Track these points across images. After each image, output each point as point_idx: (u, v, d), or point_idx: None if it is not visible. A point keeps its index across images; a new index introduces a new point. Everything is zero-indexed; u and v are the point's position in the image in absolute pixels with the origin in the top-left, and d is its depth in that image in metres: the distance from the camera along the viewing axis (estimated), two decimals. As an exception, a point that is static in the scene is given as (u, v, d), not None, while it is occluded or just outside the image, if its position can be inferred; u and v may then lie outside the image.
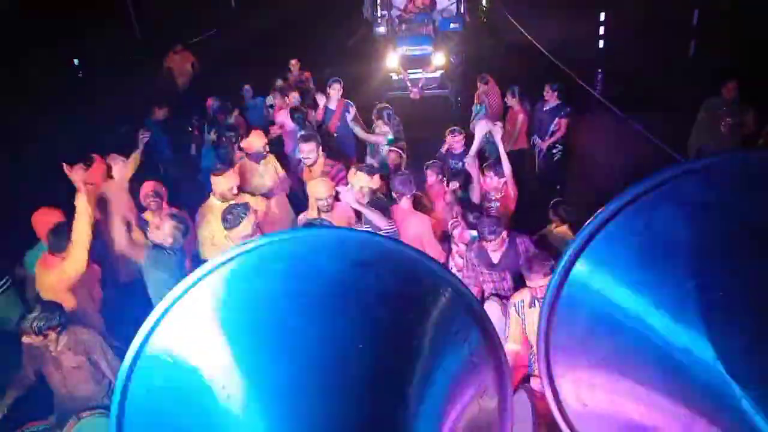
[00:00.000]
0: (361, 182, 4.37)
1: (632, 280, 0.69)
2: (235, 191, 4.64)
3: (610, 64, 11.76)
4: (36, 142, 8.18)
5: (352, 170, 4.54)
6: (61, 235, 4.01)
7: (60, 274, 3.93)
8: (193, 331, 0.66)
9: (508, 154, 5.14)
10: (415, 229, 4.37)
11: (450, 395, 0.69)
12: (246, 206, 3.93)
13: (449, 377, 0.70)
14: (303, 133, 5.79)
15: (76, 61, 12.42)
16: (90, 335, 3.64)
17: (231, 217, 3.78)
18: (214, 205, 4.57)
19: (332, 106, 6.88)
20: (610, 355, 0.72)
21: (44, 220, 4.34)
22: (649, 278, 0.68)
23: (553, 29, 13.85)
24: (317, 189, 4.47)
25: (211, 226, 4.44)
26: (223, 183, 4.59)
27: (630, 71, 10.75)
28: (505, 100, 7.21)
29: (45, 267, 4.03)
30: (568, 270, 0.74)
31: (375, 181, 4.47)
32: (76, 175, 4.02)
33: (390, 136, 6.22)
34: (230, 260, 0.67)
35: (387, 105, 6.79)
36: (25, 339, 3.45)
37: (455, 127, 6.19)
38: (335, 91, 6.83)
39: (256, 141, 5.43)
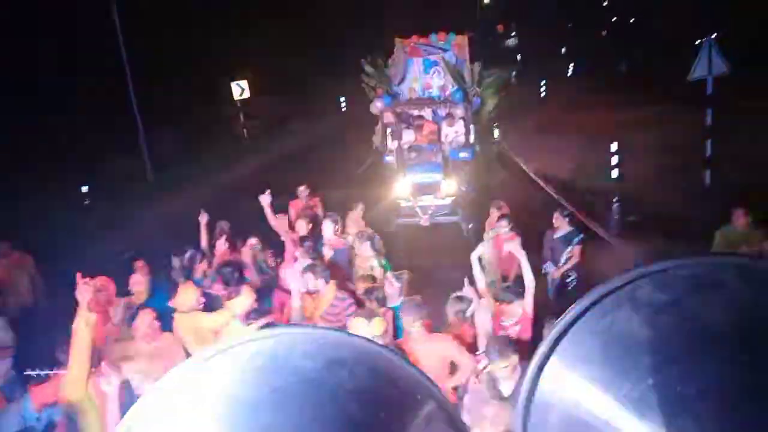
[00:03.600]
0: (361, 329, 4.37)
1: (598, 379, 0.75)
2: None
3: (624, 192, 12.14)
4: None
5: (352, 317, 4.61)
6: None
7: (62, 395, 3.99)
8: (170, 429, 0.71)
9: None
10: (442, 352, 4.40)
11: None
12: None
13: None
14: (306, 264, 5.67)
15: (84, 188, 13.02)
16: None
17: None
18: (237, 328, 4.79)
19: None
20: None
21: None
22: (613, 376, 0.74)
23: (569, 158, 14.50)
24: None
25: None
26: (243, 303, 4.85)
27: (645, 199, 11.09)
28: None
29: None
30: (539, 372, 0.80)
31: (374, 327, 4.45)
32: (83, 293, 4.09)
33: (382, 261, 6.27)
34: (209, 358, 0.74)
35: (366, 230, 6.84)
36: None
37: None
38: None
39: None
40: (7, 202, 11.19)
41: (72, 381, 3.99)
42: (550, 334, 0.82)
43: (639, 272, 0.80)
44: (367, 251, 6.33)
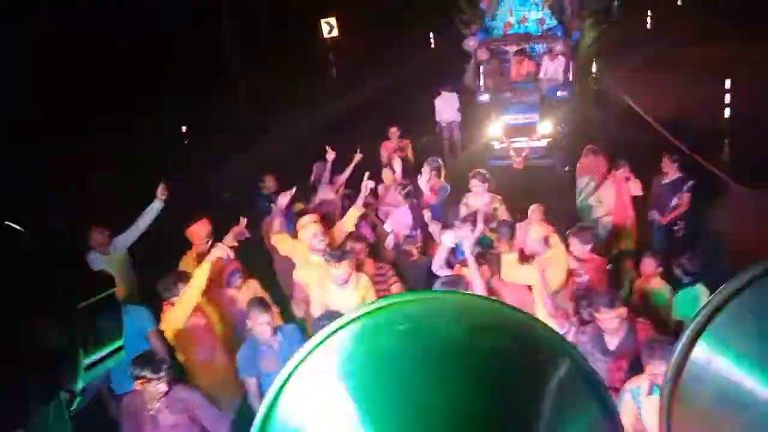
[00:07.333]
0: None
1: (756, 357, 0.72)
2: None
3: (737, 133, 11.29)
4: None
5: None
6: (169, 282, 4.46)
7: (164, 323, 4.34)
8: (319, 387, 0.74)
9: None
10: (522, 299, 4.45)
11: None
12: None
13: None
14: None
15: (183, 128, 13.60)
16: (190, 393, 3.83)
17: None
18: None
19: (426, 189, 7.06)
20: None
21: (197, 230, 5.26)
22: None
23: (675, 97, 13.60)
24: None
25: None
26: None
27: (761, 140, 10.27)
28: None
29: (163, 312, 4.45)
30: (690, 347, 0.78)
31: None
32: (222, 249, 4.41)
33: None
34: (355, 320, 0.77)
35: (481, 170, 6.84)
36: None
37: None
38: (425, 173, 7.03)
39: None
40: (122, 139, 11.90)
41: (175, 318, 4.29)
42: (698, 314, 0.79)
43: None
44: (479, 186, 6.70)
